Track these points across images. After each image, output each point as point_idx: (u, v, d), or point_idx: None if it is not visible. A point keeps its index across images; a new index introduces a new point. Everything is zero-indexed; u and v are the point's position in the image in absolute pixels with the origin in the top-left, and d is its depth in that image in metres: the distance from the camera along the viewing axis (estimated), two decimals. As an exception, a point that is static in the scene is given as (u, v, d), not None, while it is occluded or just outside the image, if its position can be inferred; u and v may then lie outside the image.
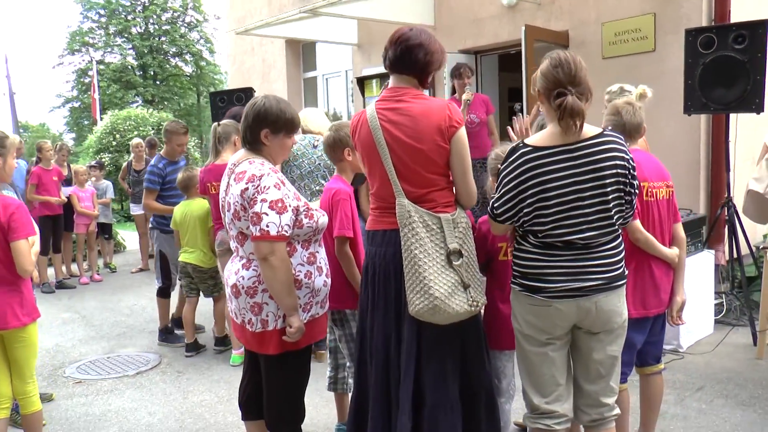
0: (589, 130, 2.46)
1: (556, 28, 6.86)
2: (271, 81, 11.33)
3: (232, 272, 2.88)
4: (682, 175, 5.95)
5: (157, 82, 34.30)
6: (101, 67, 31.10)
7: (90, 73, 29.02)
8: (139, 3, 33.77)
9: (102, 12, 33.03)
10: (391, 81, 2.79)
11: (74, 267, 8.95)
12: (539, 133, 2.53)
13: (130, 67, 33.46)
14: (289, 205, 2.72)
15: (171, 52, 35.21)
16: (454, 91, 6.37)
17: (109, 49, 33.64)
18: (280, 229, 2.67)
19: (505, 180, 2.51)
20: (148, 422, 4.03)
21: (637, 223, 2.96)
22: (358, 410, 2.90)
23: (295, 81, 11.17)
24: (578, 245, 2.46)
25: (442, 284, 2.59)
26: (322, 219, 2.90)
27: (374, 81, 9.11)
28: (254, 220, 2.68)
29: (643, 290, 3.04)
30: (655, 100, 6.08)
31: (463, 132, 2.70)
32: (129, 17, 33.64)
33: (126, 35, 33.53)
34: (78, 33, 33.11)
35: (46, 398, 4.42)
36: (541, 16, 6.99)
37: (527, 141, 2.51)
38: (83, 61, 33.02)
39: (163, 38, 34.67)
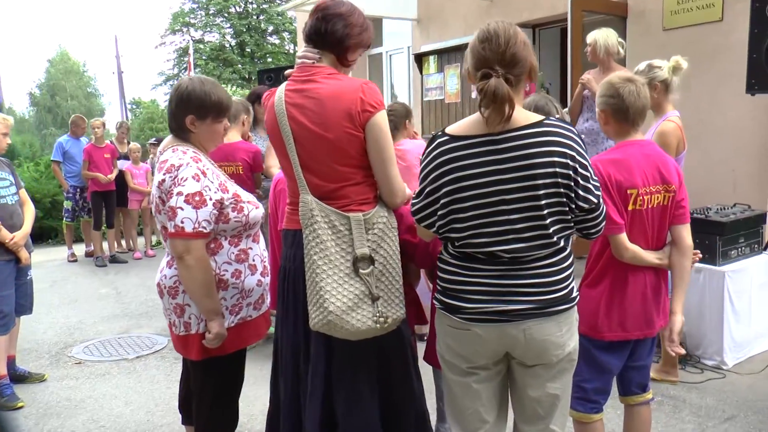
0: (525, 117, 1.98)
1: (614, -4, 6.15)
2: (335, 58, 11.07)
3: (159, 270, 2.65)
4: (744, 165, 5.16)
5: (255, 60, 35.03)
6: (200, 46, 32.14)
7: (190, 52, 30.03)
8: (240, -17, 34.53)
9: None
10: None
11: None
12: (465, 118, 2.08)
13: (228, 45, 34.39)
14: (210, 198, 2.43)
15: (269, 31, 35.83)
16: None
17: (209, 29, 34.68)
18: (196, 225, 2.39)
19: (422, 175, 2.08)
20: (120, 413, 3.90)
21: (623, 238, 2.46)
22: (271, 430, 2.58)
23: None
24: (504, 259, 1.99)
25: (341, 296, 2.21)
26: (254, 212, 2.59)
27: (432, 57, 8.66)
28: (170, 214, 2.42)
29: (621, 310, 2.53)
30: (719, 77, 5.34)
31: (381, 117, 2.28)
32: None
33: (225, 14, 34.42)
34: (180, 14, 34.34)
35: (37, 378, 4.41)
36: (599, -16, 6.28)
37: (448, 128, 2.07)
38: (184, 40, 34.25)
39: (260, 17, 35.33)
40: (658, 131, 3.68)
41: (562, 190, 1.95)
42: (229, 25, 34.72)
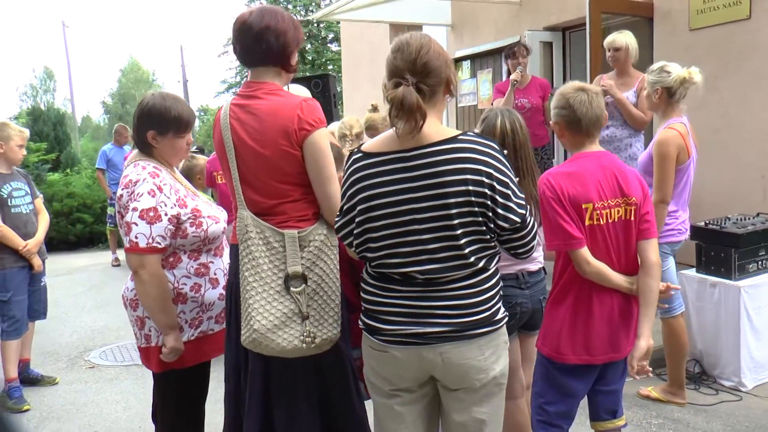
0: (439, 133, 1.90)
1: (640, -4, 5.89)
2: (378, 65, 11.04)
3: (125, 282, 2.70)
4: (777, 172, 4.85)
5: (315, 67, 35.51)
6: (262, 54, 32.88)
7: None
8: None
9: (264, 2, 34.75)
10: (250, 74, 2.39)
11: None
12: (382, 134, 2.01)
13: (288, 54, 35.04)
14: (165, 214, 2.46)
15: (329, 38, 36.22)
16: (510, 74, 5.68)
17: (269, 38, 35.45)
18: (150, 240, 2.42)
19: (341, 192, 2.05)
20: (116, 418, 4.00)
21: (584, 252, 2.33)
22: None
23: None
24: (419, 281, 1.92)
25: (268, 314, 2.19)
26: (214, 227, 2.60)
27: (465, 63, 8.56)
28: (125, 230, 2.47)
29: (586, 332, 2.40)
30: (748, 78, 5.04)
31: (320, 136, 2.24)
32: (289, 5, 35.04)
33: (285, 23, 35.09)
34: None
35: (49, 381, 4.57)
36: (625, -16, 6.03)
37: (365, 145, 2.02)
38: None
39: (321, 24, 35.77)
40: (656, 140, 3.50)
41: (476, 209, 1.87)
42: (289, 33, 35.37)
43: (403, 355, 1.95)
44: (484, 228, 1.90)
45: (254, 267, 2.22)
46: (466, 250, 1.89)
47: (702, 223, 4.24)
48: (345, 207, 2.01)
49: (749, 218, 4.27)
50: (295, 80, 8.07)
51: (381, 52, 10.95)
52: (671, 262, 3.63)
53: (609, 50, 4.73)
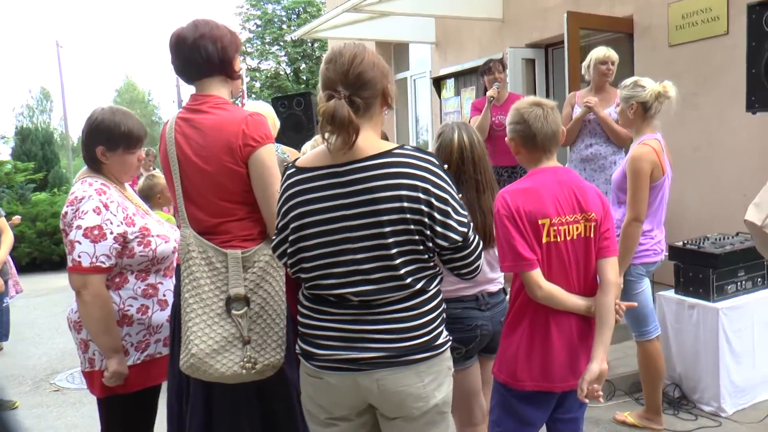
0: (374, 146, 1.79)
1: (620, 13, 5.82)
2: (362, 83, 11.03)
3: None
4: (756, 189, 4.71)
5: (309, 86, 35.61)
6: (256, 74, 32.89)
7: (246, 80, 30.88)
8: (293, 12, 35.27)
9: (258, 22, 34.93)
10: (196, 87, 2.30)
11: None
12: (318, 147, 1.91)
13: (283, 72, 35.09)
14: (111, 232, 2.37)
15: (323, 57, 36.41)
16: (486, 91, 5.59)
17: (264, 57, 35.48)
18: (94, 260, 2.33)
19: (276, 209, 1.95)
20: (72, 445, 3.85)
21: (535, 275, 2.20)
22: None
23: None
24: (353, 303, 1.81)
25: (207, 338, 2.08)
26: (163, 247, 2.50)
27: (449, 81, 8.50)
28: (68, 248, 2.37)
29: (544, 357, 2.27)
30: (727, 95, 4.95)
31: (265, 152, 2.15)
32: (283, 26, 35.22)
33: (280, 43, 35.17)
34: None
35: (7, 406, 4.40)
36: (605, 2, 5.97)
37: (300, 159, 1.91)
38: (240, 69, 35.16)
39: (315, 44, 35.95)
40: (629, 156, 3.39)
41: (412, 227, 1.75)
42: (284, 53, 35.45)
43: (337, 381, 1.84)
44: (422, 247, 1.79)
45: (195, 288, 2.13)
46: (402, 271, 1.78)
47: (680, 243, 4.14)
48: (279, 225, 1.90)
49: (728, 238, 4.17)
50: (279, 98, 8.03)
51: (367, 71, 10.95)
52: (646, 283, 3.52)
53: (605, 63, 4.60)
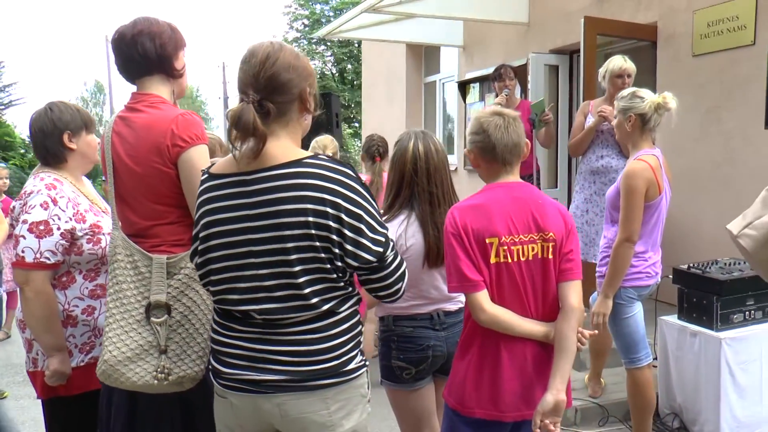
0: (286, 155, 1.66)
1: (644, 20, 5.55)
2: (393, 86, 10.94)
3: None
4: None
5: (354, 87, 35.71)
6: (302, 73, 33.26)
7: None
8: (341, 12, 35.44)
9: (306, 22, 35.20)
10: (137, 86, 2.24)
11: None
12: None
13: (329, 73, 35.27)
14: (58, 228, 2.33)
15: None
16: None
17: (311, 57, 35.77)
18: (38, 255, 2.29)
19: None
20: None
21: (479, 297, 2.04)
22: None
23: (415, 85, 10.62)
24: (257, 321, 1.69)
25: (122, 344, 2.01)
26: None
27: (474, 85, 8.31)
28: (14, 242, 2.34)
29: (493, 384, 2.11)
30: (752, 109, 4.66)
31: (195, 153, 2.06)
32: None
33: (326, 43, 35.36)
34: (284, 42, 35.71)
35: (-1, 395, 4.45)
36: (630, 6, 5.71)
37: (215, 165, 1.80)
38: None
39: (360, 45, 36.07)
40: (624, 172, 3.18)
41: (317, 243, 1.62)
42: (330, 53, 35.62)
43: (239, 402, 1.73)
44: (329, 266, 1.66)
45: (117, 293, 2.07)
46: (307, 290, 1.65)
47: (684, 267, 3.89)
48: (194, 233, 1.81)
49: (739, 263, 3.89)
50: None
51: (396, 72, 10.87)
52: (638, 307, 3.29)
53: (621, 76, 4.35)
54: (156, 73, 2.18)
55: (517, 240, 2.06)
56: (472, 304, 2.05)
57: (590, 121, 4.50)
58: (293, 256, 1.63)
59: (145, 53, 2.13)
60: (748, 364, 3.63)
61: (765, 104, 3.79)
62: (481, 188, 2.20)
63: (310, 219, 1.61)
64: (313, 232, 1.61)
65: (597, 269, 3.41)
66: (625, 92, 3.34)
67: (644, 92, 3.28)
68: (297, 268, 1.63)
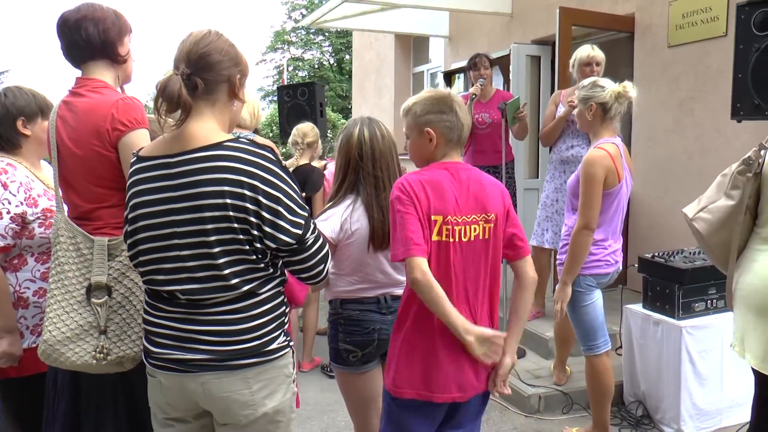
0: (207, 137, 1.70)
1: (622, 11, 5.56)
2: (383, 76, 10.95)
3: None
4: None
5: (351, 78, 35.66)
6: (299, 63, 33.09)
7: (290, 69, 31.11)
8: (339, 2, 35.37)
9: (305, 12, 35.08)
10: (82, 71, 2.26)
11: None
12: (162, 135, 1.82)
13: (327, 63, 35.20)
14: (8, 212, 2.37)
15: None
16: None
17: (308, 47, 35.66)
18: None
19: None
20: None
21: (420, 260, 2.01)
22: None
23: (403, 75, 10.62)
24: (182, 301, 1.74)
25: (63, 324, 2.05)
26: None
27: (459, 75, 8.31)
28: None
29: (425, 364, 2.12)
30: (724, 100, 4.66)
31: (136, 137, 2.10)
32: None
33: (324, 33, 35.25)
34: (281, 32, 35.55)
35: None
36: (608, -1, 5.72)
37: (143, 148, 1.84)
38: (283, 58, 35.37)
39: (355, 36, 36.01)
40: (583, 160, 3.20)
41: (236, 225, 1.66)
42: (328, 43, 35.52)
43: (167, 382, 1.78)
44: (248, 248, 1.69)
45: (59, 273, 2.10)
46: (226, 271, 1.69)
47: (649, 255, 3.92)
48: (125, 215, 1.84)
49: (703, 252, 3.92)
50: (283, 88, 8.00)
51: (386, 62, 10.87)
52: (597, 295, 3.32)
53: (590, 64, 4.38)
54: (100, 58, 2.20)
55: (460, 220, 2.08)
56: (412, 264, 2.01)
57: (561, 110, 4.52)
58: (213, 238, 1.67)
59: (89, 38, 2.15)
60: (708, 353, 3.67)
61: (731, 93, 3.77)
62: (428, 167, 2.18)
63: (228, 201, 1.65)
64: (231, 214, 1.65)
65: (558, 256, 3.44)
66: (586, 81, 3.36)
67: (605, 81, 3.30)
68: (216, 249, 1.67)
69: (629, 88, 3.24)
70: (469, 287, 2.12)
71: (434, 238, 2.06)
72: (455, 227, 2.07)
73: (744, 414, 3.67)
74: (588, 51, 4.36)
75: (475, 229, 2.10)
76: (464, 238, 2.09)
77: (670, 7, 5.09)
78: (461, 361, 2.12)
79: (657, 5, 5.23)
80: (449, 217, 2.06)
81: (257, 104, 4.22)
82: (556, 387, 4.03)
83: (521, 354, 4.52)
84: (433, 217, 2.05)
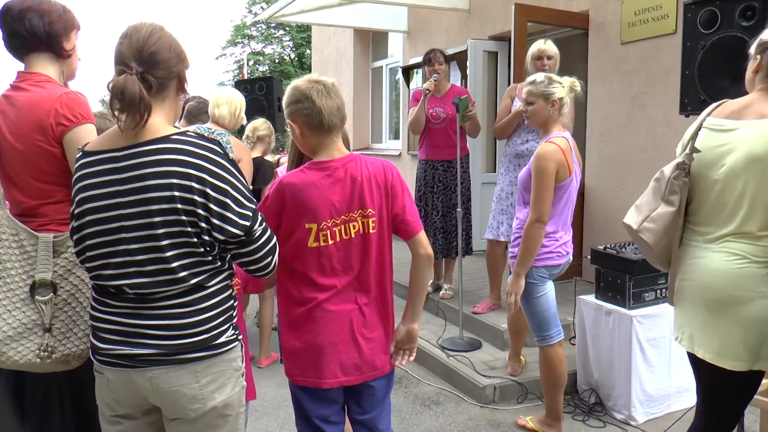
0: (155, 131, 1.69)
1: (577, 8, 5.66)
2: (342, 71, 10.91)
3: None
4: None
5: (311, 72, 35.43)
6: (260, 58, 32.76)
7: (250, 63, 30.75)
8: (300, -4, 35.15)
9: (265, 6, 34.77)
10: (24, 64, 2.21)
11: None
12: (110, 129, 1.79)
13: (287, 58, 34.96)
14: None
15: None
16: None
17: (269, 41, 35.36)
18: None
19: None
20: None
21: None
22: None
23: (362, 70, 10.62)
24: (130, 296, 1.72)
25: (4, 323, 2.00)
26: None
27: (418, 71, 8.34)
28: None
29: (312, 350, 2.13)
30: (674, 96, 4.78)
31: (81, 132, 2.07)
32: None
33: (285, 28, 34.98)
34: (242, 27, 35.16)
35: None
36: (565, -6, 5.81)
37: (90, 142, 1.81)
38: (244, 52, 35.00)
39: (321, 30, 35.80)
40: (535, 154, 3.25)
41: (184, 218, 1.66)
42: (288, 38, 35.25)
43: (115, 378, 1.76)
44: (197, 240, 1.69)
45: (1, 272, 2.04)
46: (174, 264, 1.68)
47: (601, 247, 4.01)
48: (71, 211, 1.81)
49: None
50: (241, 82, 7.92)
51: (346, 57, 10.85)
52: (549, 286, 3.38)
53: (540, 58, 4.46)
54: (44, 51, 2.16)
55: (339, 221, 2.09)
56: None
57: (517, 104, 4.58)
58: (160, 231, 1.66)
59: (33, 29, 2.11)
60: (658, 341, 3.77)
61: (680, 89, 3.88)
62: (307, 164, 2.15)
63: (176, 194, 1.64)
64: (179, 206, 1.65)
65: (509, 249, 3.49)
66: (539, 77, 3.40)
67: (558, 77, 3.36)
68: (164, 242, 1.67)
69: (577, 83, 3.33)
70: (358, 283, 2.15)
71: (311, 244, 2.08)
72: (333, 229, 2.09)
73: (691, 398, 3.75)
74: (539, 45, 4.44)
75: (354, 226, 2.12)
76: (345, 236, 2.11)
77: (622, 5, 5.20)
78: (347, 347, 2.15)
79: (610, 3, 5.34)
80: (323, 223, 2.07)
81: (240, 104, 4.09)
82: (511, 377, 4.10)
83: (477, 346, 4.58)
84: (307, 226, 2.07)
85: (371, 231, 2.13)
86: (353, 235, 2.11)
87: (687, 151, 2.29)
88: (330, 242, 2.08)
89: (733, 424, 2.40)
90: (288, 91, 2.12)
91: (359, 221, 2.11)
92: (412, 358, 2.31)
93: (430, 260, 2.26)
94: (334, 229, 2.08)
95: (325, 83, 2.11)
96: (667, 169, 2.34)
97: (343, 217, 2.09)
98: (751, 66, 2.26)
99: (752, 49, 2.26)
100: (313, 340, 2.13)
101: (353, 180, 2.11)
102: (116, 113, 1.65)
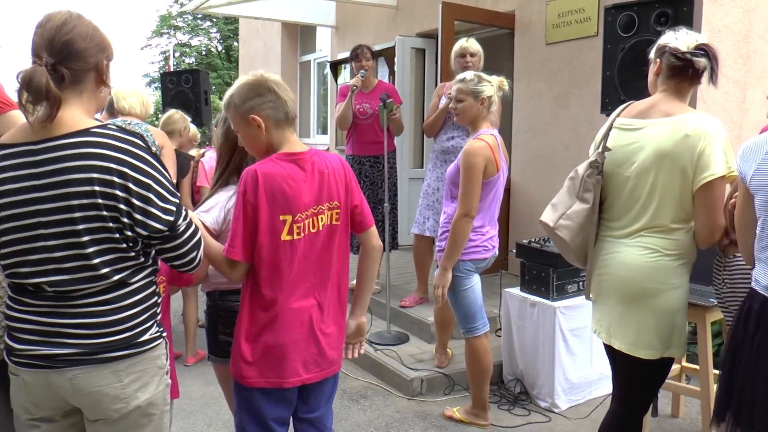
0: (74, 124, 1.62)
1: (504, 8, 5.79)
2: (269, 64, 10.76)
3: None
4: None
5: (238, 65, 34.85)
6: (186, 49, 31.92)
7: (177, 55, 29.94)
8: (227, -13, 34.44)
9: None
10: None
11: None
12: (22, 123, 1.71)
13: (214, 50, 34.22)
14: None
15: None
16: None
17: (196, 33, 34.52)
18: None
19: None
20: None
21: (237, 264, 2.08)
22: None
23: (290, 64, 10.51)
24: (49, 294, 1.65)
25: None
26: None
27: (346, 66, 8.33)
28: None
29: (276, 349, 2.09)
30: (596, 97, 4.96)
31: (11, 118, 1.99)
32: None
33: (212, 20, 34.22)
34: (167, 17, 34.17)
35: None
36: (492, -6, 5.93)
37: (4, 135, 1.71)
38: (170, 43, 34.04)
39: (248, 23, 35.20)
40: (463, 150, 3.32)
41: (105, 213, 1.60)
42: (216, 29, 34.50)
43: (32, 379, 1.67)
44: (119, 236, 1.64)
45: None
46: (96, 261, 1.63)
47: (526, 241, 4.12)
48: None
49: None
50: (167, 74, 7.70)
51: (273, 51, 10.71)
52: (476, 279, 3.46)
53: (464, 56, 4.54)
54: None
55: (310, 213, 2.09)
56: (226, 262, 2.07)
57: (443, 102, 4.65)
58: (81, 226, 1.60)
59: None
60: (580, 331, 3.91)
61: (600, 90, 4.04)
62: (277, 155, 2.10)
63: (97, 188, 1.59)
64: (100, 201, 1.60)
65: (437, 243, 3.54)
66: (469, 75, 3.46)
67: (487, 76, 3.44)
68: (85, 238, 1.61)
69: (505, 82, 3.42)
70: (319, 277, 2.15)
71: (284, 237, 2.05)
72: (306, 221, 2.08)
73: (610, 385, 3.94)
74: (461, 43, 4.55)
75: (321, 219, 2.12)
76: (313, 229, 2.11)
77: (547, 7, 5.35)
78: (305, 344, 2.13)
79: (535, 4, 5.48)
80: (298, 215, 2.06)
81: (146, 94, 4.09)
82: (438, 370, 4.16)
83: (404, 339, 4.63)
84: (281, 217, 2.04)
85: (335, 223, 2.14)
86: (320, 228, 2.10)
87: (599, 150, 2.39)
88: (302, 235, 2.06)
89: (647, 407, 2.53)
90: (242, 87, 2.05)
91: (326, 213, 2.11)
92: (363, 351, 2.37)
93: (381, 252, 2.36)
94: (306, 221, 2.06)
95: (276, 78, 2.10)
96: (581, 168, 2.45)
97: (312, 209, 2.08)
98: (652, 69, 2.39)
99: (652, 54, 2.38)
100: (275, 341, 2.08)
101: (321, 173, 2.10)
102: (27, 105, 1.58)
